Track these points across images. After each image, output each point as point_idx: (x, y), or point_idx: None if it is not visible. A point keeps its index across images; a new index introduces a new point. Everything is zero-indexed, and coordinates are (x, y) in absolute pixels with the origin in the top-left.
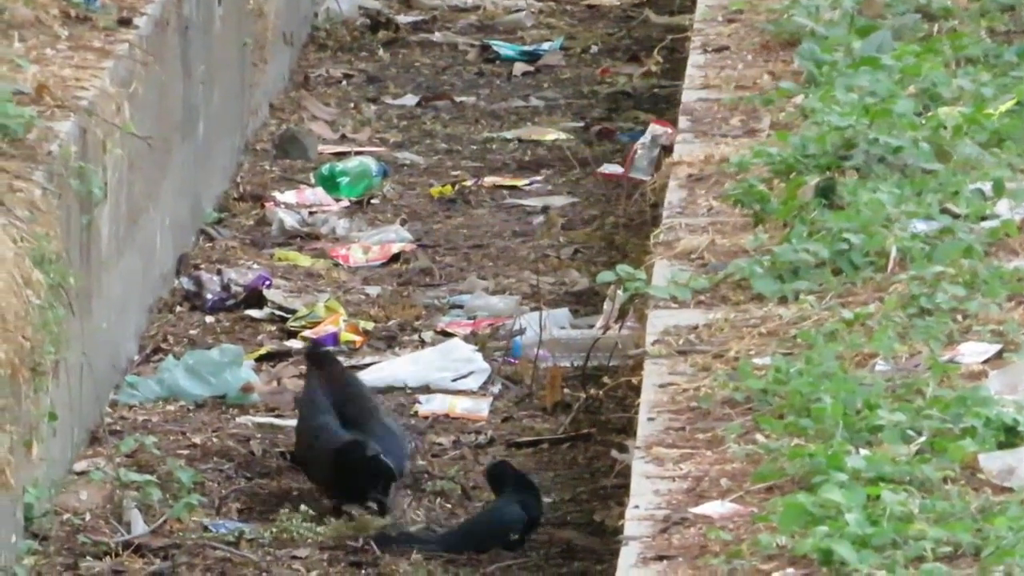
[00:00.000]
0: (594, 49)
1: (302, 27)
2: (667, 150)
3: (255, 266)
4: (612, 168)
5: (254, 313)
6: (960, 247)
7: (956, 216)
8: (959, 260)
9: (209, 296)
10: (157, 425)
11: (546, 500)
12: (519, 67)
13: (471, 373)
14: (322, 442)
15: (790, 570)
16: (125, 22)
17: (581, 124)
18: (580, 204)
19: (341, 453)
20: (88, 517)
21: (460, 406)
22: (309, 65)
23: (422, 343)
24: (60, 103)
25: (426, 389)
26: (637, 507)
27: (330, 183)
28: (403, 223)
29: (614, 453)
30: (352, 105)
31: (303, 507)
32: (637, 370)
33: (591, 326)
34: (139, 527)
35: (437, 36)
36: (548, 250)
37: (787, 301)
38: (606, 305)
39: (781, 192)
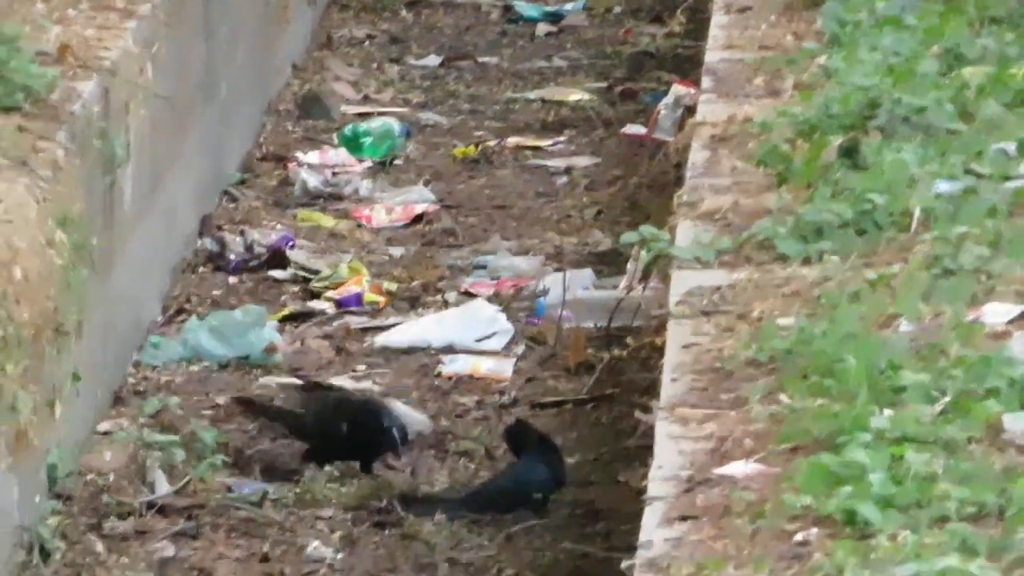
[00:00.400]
0: (617, 10)
1: None
2: (690, 111)
3: (278, 227)
4: (635, 129)
5: (277, 274)
6: (984, 207)
7: (980, 176)
8: (983, 220)
9: (232, 257)
10: (180, 386)
11: (569, 461)
12: (542, 27)
13: (494, 334)
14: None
15: (814, 530)
16: None
17: (604, 85)
18: (603, 165)
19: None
20: (112, 477)
21: (484, 367)
22: (332, 25)
23: (445, 304)
24: (83, 63)
25: (449, 350)
26: (661, 467)
27: (353, 144)
28: (426, 184)
29: (638, 414)
30: (375, 65)
31: (327, 467)
32: (661, 331)
33: (614, 287)
34: (163, 487)
35: None
36: (571, 211)
37: (811, 262)
38: (629, 266)
39: (804, 153)
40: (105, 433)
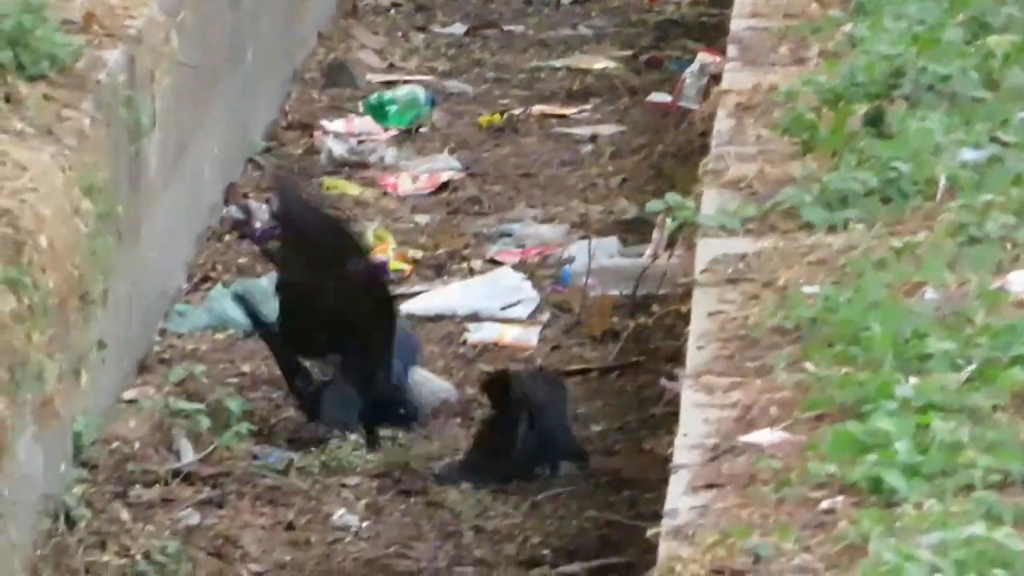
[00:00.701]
0: None
1: None
2: (716, 79)
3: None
4: (661, 97)
5: None
6: (1009, 176)
7: (1005, 144)
8: (1008, 189)
9: (258, 225)
10: (206, 354)
11: (595, 429)
12: None
13: (520, 302)
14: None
15: (839, 498)
16: None
17: (630, 53)
18: (629, 133)
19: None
20: (137, 446)
21: (509, 335)
22: None
23: (471, 272)
24: (108, 32)
25: (475, 318)
26: (686, 435)
27: (379, 112)
28: (452, 152)
29: (663, 382)
30: (400, 34)
31: (352, 436)
32: (686, 299)
33: (640, 255)
34: (188, 456)
35: None
36: (597, 179)
37: (836, 230)
38: (655, 234)
39: (830, 121)
40: (131, 401)
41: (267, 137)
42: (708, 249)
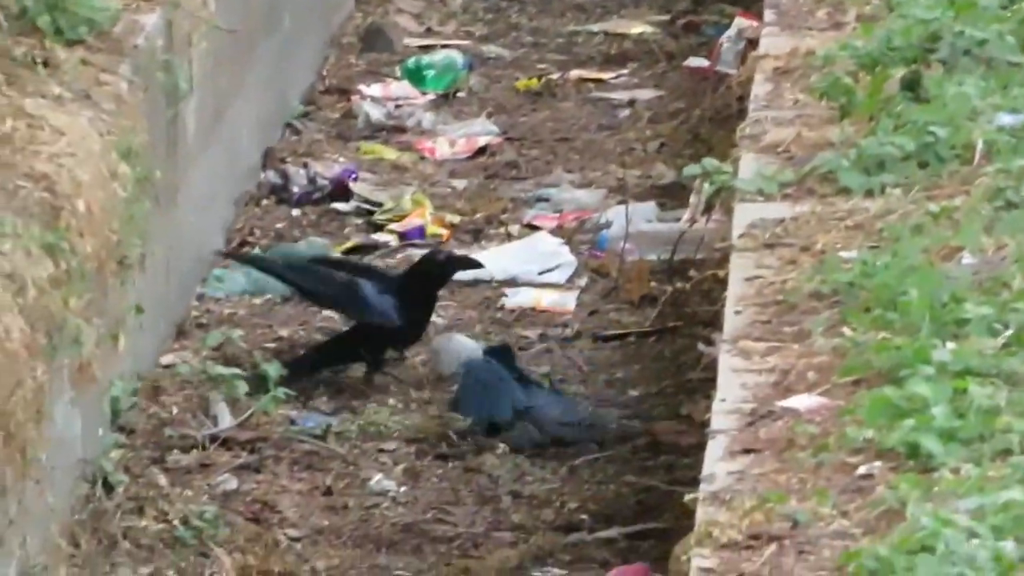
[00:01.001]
0: None
1: None
2: (753, 43)
3: (341, 159)
4: (698, 61)
5: (340, 206)
6: None
7: None
8: None
9: (295, 189)
10: (243, 318)
11: (632, 394)
12: None
13: (557, 266)
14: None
15: (877, 463)
16: None
17: (667, 17)
18: (666, 98)
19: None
20: (175, 411)
21: (546, 299)
22: None
23: (508, 236)
24: None
25: (512, 282)
26: (724, 400)
27: (416, 76)
28: (489, 116)
29: (700, 346)
30: None
31: (390, 400)
32: (723, 263)
33: (677, 219)
34: (225, 420)
35: None
36: (634, 143)
37: (873, 194)
38: (692, 198)
39: (867, 85)
40: (168, 366)
41: (305, 101)
42: (745, 214)
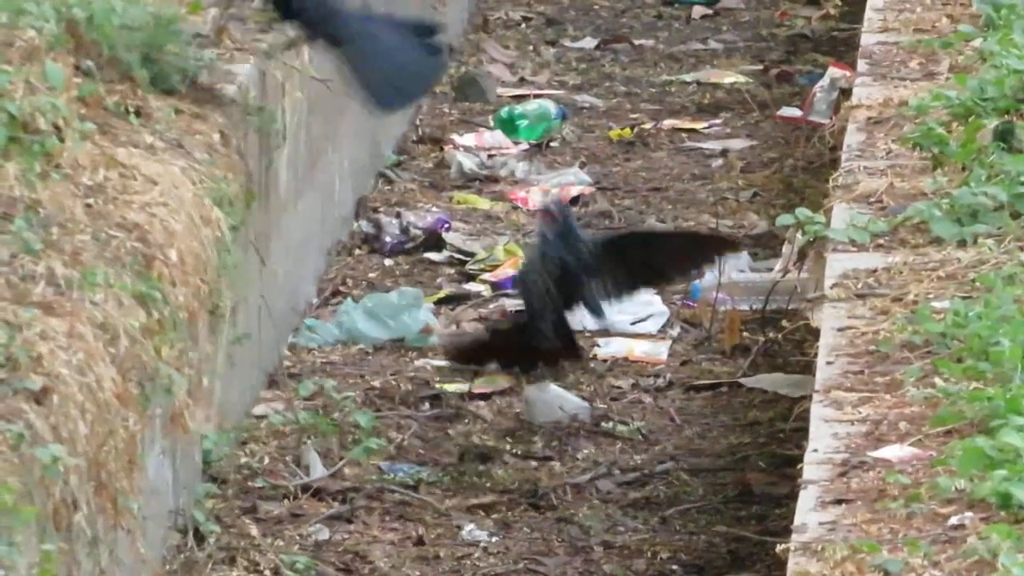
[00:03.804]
0: None
1: None
2: (846, 93)
3: (434, 209)
4: (791, 111)
5: (433, 256)
6: None
7: None
8: None
9: (388, 239)
10: (336, 368)
11: (723, 443)
12: (698, 10)
13: (650, 316)
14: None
15: (968, 514)
16: None
17: (760, 67)
18: (759, 147)
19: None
20: (266, 460)
21: (639, 349)
22: (488, 7)
23: None
24: (239, 46)
25: (605, 332)
26: (816, 451)
27: (509, 126)
28: (582, 166)
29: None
30: (531, 47)
31: (482, 451)
32: (816, 313)
33: (770, 269)
34: (317, 470)
35: None
36: (727, 193)
37: (966, 244)
38: (785, 248)
39: (960, 135)
40: (260, 416)
41: (398, 150)
42: (838, 263)
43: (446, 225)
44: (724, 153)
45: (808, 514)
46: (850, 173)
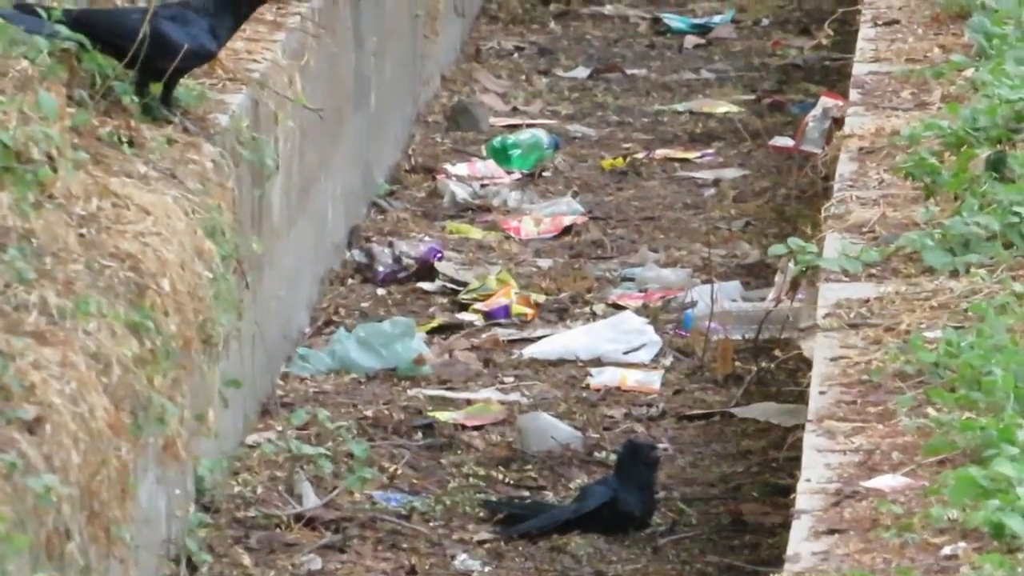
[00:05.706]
0: (765, 21)
1: None
2: (838, 123)
3: (426, 238)
4: (783, 140)
5: (425, 285)
6: None
7: None
8: None
9: (380, 268)
10: (329, 397)
11: (716, 472)
12: (690, 39)
13: (642, 345)
14: None
15: (961, 543)
16: None
17: (752, 96)
18: (751, 176)
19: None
20: (259, 490)
21: (631, 378)
22: (480, 37)
23: (593, 315)
24: (232, 75)
25: (597, 362)
26: (809, 480)
27: (502, 155)
28: (574, 195)
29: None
30: (524, 77)
31: (474, 480)
32: (808, 343)
33: (762, 298)
34: (311, 500)
35: (608, 8)
36: (719, 222)
37: (958, 274)
38: (777, 278)
39: (952, 165)
40: (253, 445)
41: (390, 180)
42: (830, 293)
43: (439, 254)
44: (716, 182)
45: (801, 544)
46: (842, 203)
